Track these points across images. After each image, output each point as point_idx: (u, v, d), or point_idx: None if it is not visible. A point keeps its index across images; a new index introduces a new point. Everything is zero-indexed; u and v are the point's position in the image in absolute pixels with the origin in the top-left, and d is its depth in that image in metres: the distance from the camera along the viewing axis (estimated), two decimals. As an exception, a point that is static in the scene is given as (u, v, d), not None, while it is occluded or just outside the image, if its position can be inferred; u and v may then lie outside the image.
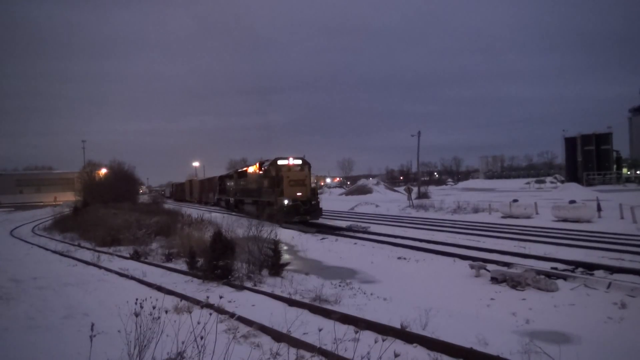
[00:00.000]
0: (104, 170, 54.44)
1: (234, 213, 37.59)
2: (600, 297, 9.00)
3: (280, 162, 27.37)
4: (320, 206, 27.17)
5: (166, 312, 4.97)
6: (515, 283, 10.09)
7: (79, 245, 22.37)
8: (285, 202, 25.62)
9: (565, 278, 10.29)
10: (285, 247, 17.49)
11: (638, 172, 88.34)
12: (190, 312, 7.64)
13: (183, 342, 4.27)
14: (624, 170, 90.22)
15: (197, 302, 8.59)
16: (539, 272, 10.56)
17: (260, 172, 30.09)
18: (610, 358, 5.90)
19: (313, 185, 28.26)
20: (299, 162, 27.74)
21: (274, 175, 27.15)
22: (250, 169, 34.52)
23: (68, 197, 58.93)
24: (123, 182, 50.14)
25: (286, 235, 20.82)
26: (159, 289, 10.52)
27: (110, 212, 30.71)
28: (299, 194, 26.08)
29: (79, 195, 50.40)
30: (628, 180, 79.82)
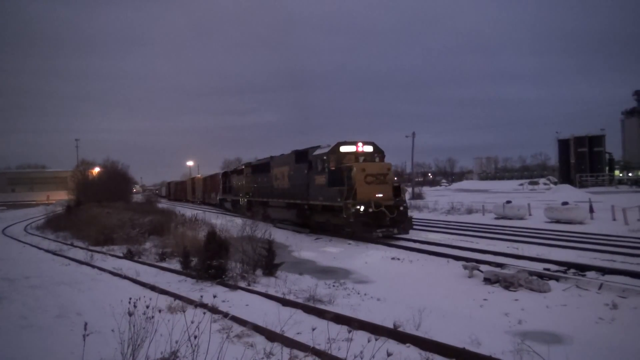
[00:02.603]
0: (97, 169, 54.20)
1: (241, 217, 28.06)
2: (591, 298, 9.07)
3: (344, 149, 19.39)
4: (410, 214, 19.07)
5: (159, 311, 4.98)
6: (508, 284, 10.14)
7: (72, 245, 22.28)
8: (361, 208, 17.41)
9: (557, 279, 10.36)
10: (279, 247, 17.48)
11: (630, 174, 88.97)
12: (184, 312, 7.62)
13: (177, 342, 4.27)
14: (616, 172, 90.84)
15: (190, 302, 8.59)
16: (531, 273, 10.63)
17: (301, 164, 22.48)
18: (601, 359, 5.96)
19: (395, 183, 19.66)
20: (370, 148, 19.72)
21: (336, 167, 19.02)
22: (277, 161, 26.71)
23: (61, 196, 58.65)
24: (116, 181, 49.95)
25: (280, 235, 20.83)
26: (153, 288, 10.50)
27: (103, 211, 30.59)
28: (379, 195, 17.73)
29: (72, 194, 50.16)
30: (620, 182, 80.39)
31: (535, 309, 8.57)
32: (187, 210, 36.40)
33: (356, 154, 19.48)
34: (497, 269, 11.47)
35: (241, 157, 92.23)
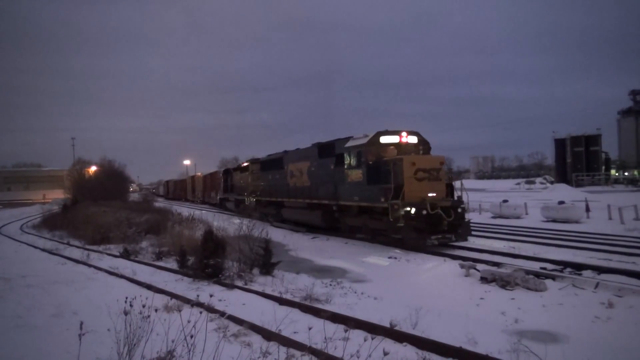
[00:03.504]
0: (93, 168, 54.04)
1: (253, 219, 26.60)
2: (588, 296, 9.09)
3: (385, 139, 16.53)
4: (467, 217, 15.92)
5: (156, 310, 4.97)
6: (505, 283, 10.16)
7: (68, 244, 22.19)
8: (412, 210, 14.39)
9: (553, 278, 10.38)
10: (276, 246, 17.46)
11: (626, 173, 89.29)
12: (180, 311, 7.61)
13: (173, 341, 4.26)
14: (612, 172, 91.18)
15: (187, 301, 8.58)
16: (528, 272, 10.65)
17: (326, 158, 19.74)
18: (597, 357, 5.97)
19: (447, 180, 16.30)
20: (415, 139, 16.91)
21: (377, 161, 16.09)
22: (293, 156, 23.93)
23: (57, 195, 58.48)
24: (113, 180, 49.81)
25: (277, 234, 20.79)
26: (149, 287, 10.47)
27: (100, 210, 30.48)
28: (431, 193, 14.90)
29: (69, 192, 50.01)
30: (616, 181, 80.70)
31: (532, 308, 8.58)
32: (186, 210, 36.26)
33: (399, 146, 16.50)
34: (494, 268, 11.49)
35: (238, 156, 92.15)
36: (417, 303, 8.71)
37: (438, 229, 14.45)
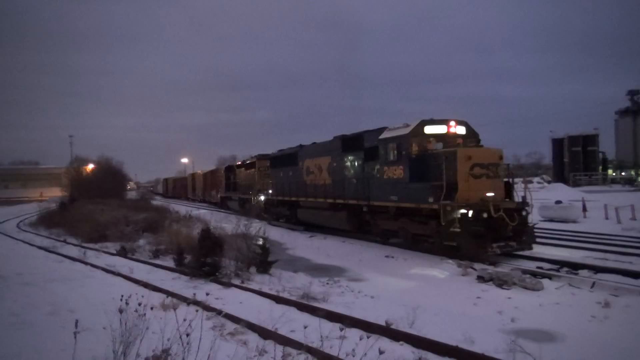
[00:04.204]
0: (91, 166, 53.91)
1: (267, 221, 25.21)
2: (584, 296, 9.12)
3: (430, 129, 14.34)
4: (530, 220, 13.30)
5: (152, 308, 4.96)
6: (502, 282, 10.17)
7: (65, 242, 22.16)
8: (470, 212, 12.19)
9: (550, 277, 10.40)
10: (273, 245, 17.45)
11: (623, 173, 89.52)
12: (176, 309, 7.60)
13: (169, 339, 4.24)
14: (610, 172, 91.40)
15: (184, 299, 8.57)
16: (524, 271, 10.68)
17: (351, 152, 17.68)
18: (593, 357, 5.98)
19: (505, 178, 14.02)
20: (463, 130, 14.68)
21: (422, 154, 14.00)
22: (310, 151, 21.79)
23: (54, 193, 58.31)
24: (111, 178, 49.69)
25: (275, 233, 20.80)
26: (146, 285, 10.42)
27: (97, 208, 30.42)
28: (490, 193, 12.70)
29: (66, 190, 49.87)
30: (613, 181, 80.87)
31: (529, 307, 8.60)
32: (185, 209, 36.19)
33: (446, 137, 14.26)
34: (491, 267, 11.51)
35: (236, 155, 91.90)
36: (415, 302, 8.71)
37: (500, 235, 12.20)
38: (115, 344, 4.36)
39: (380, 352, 3.31)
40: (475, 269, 11.43)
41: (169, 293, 9.52)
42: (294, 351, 5.74)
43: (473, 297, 9.48)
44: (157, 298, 8.70)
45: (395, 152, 14.76)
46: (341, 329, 3.96)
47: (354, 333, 6.13)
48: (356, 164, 17.45)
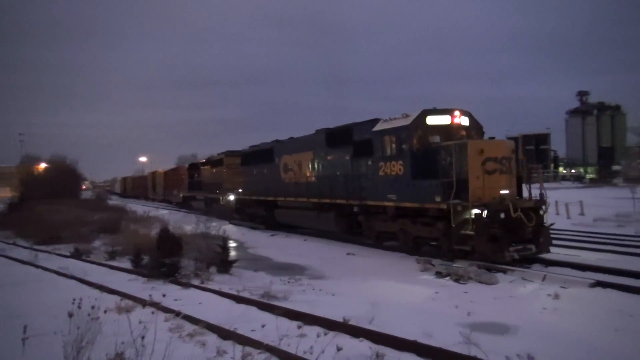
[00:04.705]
0: (43, 165, 51.75)
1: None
2: (536, 288, 9.47)
3: (433, 120, 13.07)
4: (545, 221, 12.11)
5: (105, 311, 4.81)
6: (459, 277, 10.44)
7: (14, 244, 21.20)
8: (484, 212, 11.16)
9: (504, 271, 10.74)
10: (234, 244, 17.28)
11: (573, 170, 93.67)
12: (132, 312, 7.41)
13: (123, 343, 4.14)
14: (560, 169, 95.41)
15: (140, 301, 8.37)
16: (480, 266, 10.98)
17: (338, 147, 16.38)
18: (543, 346, 6.21)
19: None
20: (467, 121, 13.49)
21: (427, 148, 12.78)
22: (288, 146, 20.29)
23: (4, 193, 55.65)
24: (64, 177, 47.84)
25: (236, 232, 20.60)
26: (101, 288, 10.16)
27: (50, 208, 29.24)
28: (504, 191, 11.68)
29: (16, 191, 47.69)
30: (564, 178, 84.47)
31: (484, 300, 8.85)
32: (143, 209, 35.27)
33: (450, 129, 13.05)
34: (448, 263, 11.77)
35: (197, 153, 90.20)
36: (375, 298, 8.82)
37: (517, 237, 11.22)
38: (67, 350, 4.21)
39: (338, 349, 3.33)
40: (433, 265, 11.67)
41: (124, 295, 9.28)
42: (254, 350, 5.70)
43: (432, 292, 9.67)
44: (112, 301, 8.49)
45: (394, 145, 13.37)
46: (299, 327, 3.96)
47: (314, 331, 6.15)
48: (344, 159, 16.09)
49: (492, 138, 12.90)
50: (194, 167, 37.16)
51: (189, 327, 7.09)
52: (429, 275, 11.22)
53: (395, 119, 13.70)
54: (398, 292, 9.90)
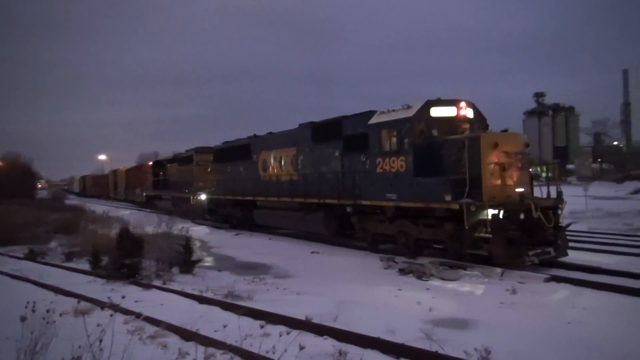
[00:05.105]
0: (-5, 163, 49.53)
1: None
2: (495, 284, 9.74)
3: (437, 112, 12.16)
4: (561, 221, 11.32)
5: (61, 315, 4.66)
6: (421, 274, 10.64)
7: (-37, 246, 20.20)
8: (501, 213, 10.26)
9: (465, 268, 10.99)
10: (198, 244, 17.03)
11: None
12: (90, 314, 7.20)
13: (80, 347, 4.01)
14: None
15: (99, 303, 8.13)
16: (442, 263, 11.22)
17: (326, 142, 15.34)
18: (501, 340, 6.39)
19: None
20: (471, 113, 12.56)
21: (432, 142, 11.97)
22: (268, 141, 19.19)
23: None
24: (18, 176, 45.95)
25: (199, 231, 20.31)
26: (57, 290, 9.82)
27: (2, 208, 28.03)
28: (519, 189, 10.85)
29: (-35, 190, 45.46)
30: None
31: (445, 296, 9.05)
32: (102, 208, 34.23)
33: (455, 121, 12.21)
34: (411, 260, 11.98)
35: (158, 151, 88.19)
36: (340, 296, 8.89)
37: (539, 239, 10.41)
38: (20, 355, 4.06)
39: (301, 348, 3.33)
40: (396, 262, 11.84)
41: (82, 297, 9.01)
42: (217, 351, 5.64)
43: (395, 289, 9.81)
44: (68, 303, 8.22)
45: (395, 140, 12.31)
46: (261, 327, 3.94)
47: (278, 330, 6.14)
48: (333, 156, 15.00)
49: (505, 130, 11.73)
50: (159, 164, 35.58)
51: (150, 329, 6.94)
52: (393, 272, 11.38)
53: (394, 110, 12.65)
54: (362, 289, 9.99)
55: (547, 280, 9.56)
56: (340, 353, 4.99)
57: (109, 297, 7.21)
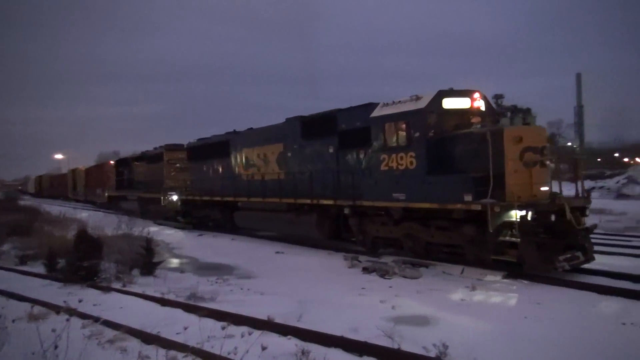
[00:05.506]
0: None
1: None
2: (455, 281, 9.98)
3: (450, 103, 11.18)
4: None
5: (14, 321, 4.50)
6: (384, 272, 10.79)
7: None
8: (528, 214, 9.42)
9: (427, 266, 11.21)
10: (160, 245, 16.69)
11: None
12: (45, 320, 6.97)
13: (33, 353, 3.88)
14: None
15: (54, 308, 7.87)
16: (404, 262, 11.40)
17: (317, 139, 14.39)
18: (460, 335, 6.56)
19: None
20: (483, 104, 11.57)
21: (445, 135, 11.00)
22: (248, 138, 17.99)
23: None
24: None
25: (161, 233, 19.93)
26: (9, 295, 9.46)
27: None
28: (544, 188, 10.19)
29: None
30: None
31: (408, 294, 9.20)
32: (62, 210, 33.02)
33: (467, 114, 11.29)
34: (375, 259, 12.12)
35: (119, 151, 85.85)
36: (304, 296, 8.90)
37: (569, 243, 9.65)
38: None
39: (263, 348, 3.33)
40: (360, 261, 11.96)
41: (36, 302, 8.70)
42: (178, 354, 5.56)
43: (358, 288, 9.90)
44: (22, 309, 7.92)
45: (403, 134, 11.34)
46: (223, 328, 3.91)
47: (240, 331, 6.10)
48: (326, 152, 13.92)
49: (528, 124, 10.90)
50: (124, 163, 33.52)
51: (109, 333, 6.78)
52: (357, 271, 11.49)
53: (400, 102, 11.63)
54: (326, 288, 10.04)
55: (505, 277, 9.86)
56: (303, 352, 5.01)
57: (65, 301, 6.98)
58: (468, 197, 9.78)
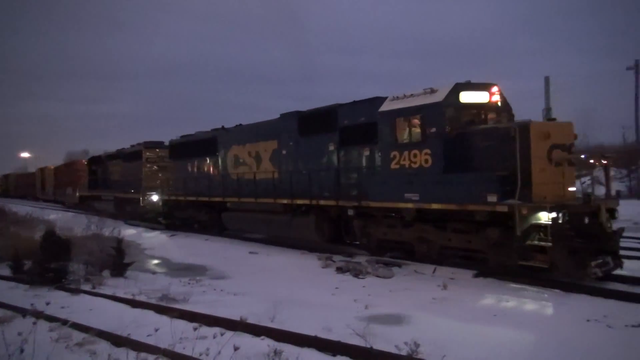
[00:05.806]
0: None
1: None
2: (427, 281, 10.12)
3: (467, 97, 10.51)
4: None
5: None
6: (358, 272, 10.88)
7: None
8: (559, 216, 8.69)
9: (400, 265, 11.35)
10: (131, 246, 16.41)
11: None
12: (10, 323, 6.78)
13: (-2, 358, 3.78)
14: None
15: (20, 311, 7.65)
16: (378, 261, 11.51)
17: (315, 135, 13.72)
18: (431, 334, 6.67)
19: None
20: (499, 99, 10.94)
21: (464, 131, 10.33)
22: (237, 134, 17.30)
23: None
24: None
25: (132, 233, 19.59)
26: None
27: None
28: (572, 188, 9.79)
29: None
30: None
31: (381, 293, 9.30)
32: (29, 210, 32.06)
33: (484, 108, 10.78)
34: (348, 259, 12.20)
35: (88, 149, 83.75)
36: (277, 296, 8.89)
37: (602, 247, 8.98)
38: None
39: (235, 349, 3.33)
40: (334, 261, 12.02)
41: (1, 305, 8.46)
42: (149, 356, 5.49)
43: (332, 287, 9.96)
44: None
45: (416, 130, 10.62)
46: (195, 329, 3.90)
47: (213, 332, 6.07)
48: (326, 150, 13.22)
49: (554, 119, 10.45)
50: (97, 161, 32.11)
51: (78, 336, 6.65)
52: (330, 271, 11.54)
53: (413, 95, 10.87)
54: (300, 289, 10.06)
55: (476, 275, 10.06)
56: (275, 352, 5.02)
57: (32, 304, 6.80)
58: (492, 198, 9.08)
